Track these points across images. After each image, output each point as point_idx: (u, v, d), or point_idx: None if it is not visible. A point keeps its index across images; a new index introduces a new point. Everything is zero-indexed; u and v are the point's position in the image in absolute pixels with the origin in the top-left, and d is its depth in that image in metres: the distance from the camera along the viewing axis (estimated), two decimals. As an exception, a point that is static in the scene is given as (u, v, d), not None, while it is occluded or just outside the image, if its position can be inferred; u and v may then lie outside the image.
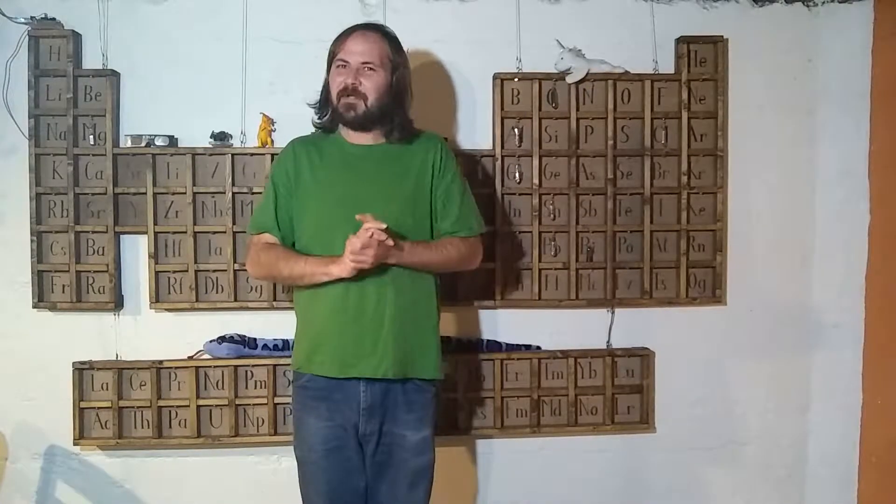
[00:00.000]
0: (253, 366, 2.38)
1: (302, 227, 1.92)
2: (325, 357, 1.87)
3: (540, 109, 2.42)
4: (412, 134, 1.97)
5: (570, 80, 2.41)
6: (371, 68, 1.89)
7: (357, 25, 1.95)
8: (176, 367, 2.36)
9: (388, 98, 1.91)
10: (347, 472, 1.88)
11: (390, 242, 1.75)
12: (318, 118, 1.99)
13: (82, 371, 2.33)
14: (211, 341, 2.35)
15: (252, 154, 2.35)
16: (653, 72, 2.47)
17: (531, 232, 2.43)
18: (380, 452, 1.89)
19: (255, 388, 2.38)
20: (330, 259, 1.81)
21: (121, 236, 2.36)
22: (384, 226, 1.73)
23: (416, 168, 1.93)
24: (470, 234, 1.97)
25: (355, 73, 1.88)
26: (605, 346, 2.51)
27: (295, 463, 1.95)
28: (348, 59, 1.89)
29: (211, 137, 2.34)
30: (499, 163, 2.41)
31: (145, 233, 2.34)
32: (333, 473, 1.87)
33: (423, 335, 1.91)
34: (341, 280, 1.81)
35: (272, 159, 2.24)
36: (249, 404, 2.37)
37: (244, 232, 2.25)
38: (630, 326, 2.52)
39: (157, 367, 2.34)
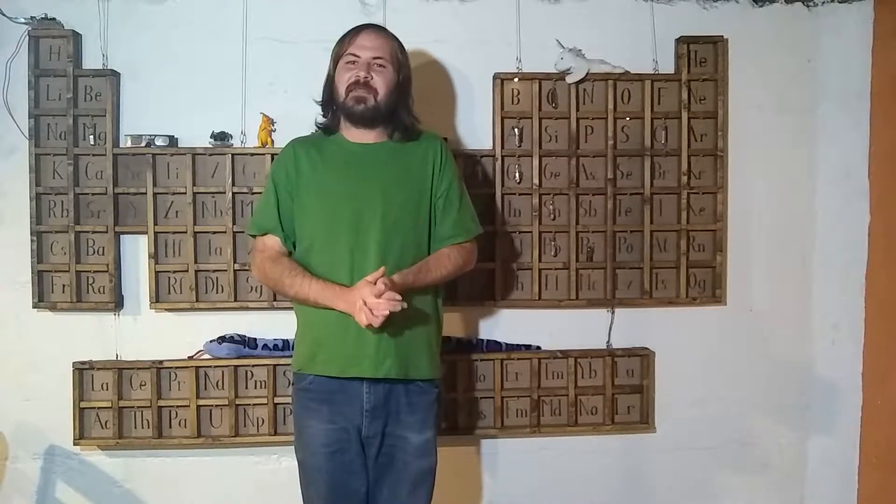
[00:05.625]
0: (253, 366, 2.38)
1: (303, 227, 1.92)
2: (327, 357, 1.87)
3: (540, 109, 2.42)
4: (415, 134, 1.97)
5: (570, 80, 2.41)
6: (381, 64, 1.90)
7: (363, 24, 1.96)
8: (176, 367, 2.36)
9: (395, 96, 1.92)
10: (349, 474, 1.88)
11: (405, 306, 1.75)
12: (324, 116, 1.99)
13: (82, 371, 2.33)
14: (211, 341, 2.35)
15: (252, 154, 2.35)
16: (653, 72, 2.47)
17: (531, 232, 2.43)
18: (382, 455, 1.89)
19: (255, 388, 2.38)
20: (334, 293, 1.81)
21: (121, 236, 2.36)
22: (399, 298, 1.73)
23: (417, 167, 1.94)
24: (467, 237, 1.98)
25: (367, 67, 1.88)
26: (605, 346, 2.51)
27: (295, 463, 1.95)
28: (359, 54, 1.89)
29: (211, 137, 2.34)
30: (499, 163, 2.41)
31: (145, 233, 2.34)
32: (335, 476, 1.87)
33: (424, 336, 1.91)
34: (351, 281, 1.82)
35: (272, 159, 2.24)
36: (249, 404, 2.37)
37: (244, 232, 2.25)
38: (630, 326, 2.52)
39: (157, 367, 2.34)
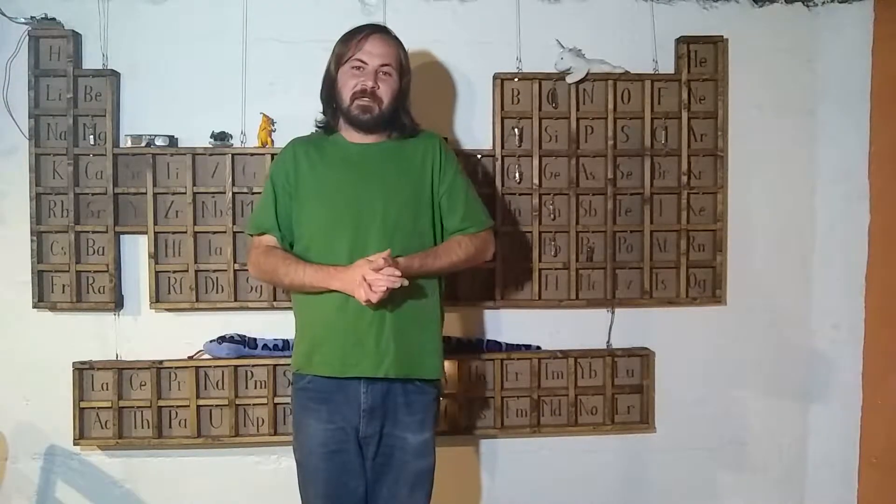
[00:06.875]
0: (253, 366, 2.38)
1: (302, 228, 1.91)
2: (325, 356, 1.86)
3: (540, 109, 2.42)
4: (414, 131, 1.97)
5: (570, 80, 2.41)
6: (387, 72, 1.89)
7: (368, 26, 1.94)
8: (176, 367, 2.36)
9: (398, 102, 1.92)
10: (347, 474, 1.87)
11: (405, 283, 1.74)
12: (324, 114, 1.98)
13: (82, 371, 2.33)
14: (211, 341, 2.35)
15: (252, 154, 2.35)
16: (653, 72, 2.47)
17: (531, 232, 2.43)
18: (380, 455, 1.88)
19: (255, 388, 2.38)
20: (328, 273, 1.81)
21: (121, 236, 2.36)
22: (399, 274, 1.73)
23: (417, 166, 1.93)
24: (480, 228, 1.97)
25: (373, 76, 1.87)
26: (605, 346, 2.51)
27: (295, 463, 1.95)
28: (366, 61, 1.88)
29: (211, 137, 2.34)
30: (499, 163, 2.41)
31: (145, 233, 2.34)
32: (333, 476, 1.87)
33: (424, 335, 1.91)
34: None
35: (272, 159, 2.23)
36: (249, 404, 2.37)
37: (244, 232, 2.25)
38: (630, 326, 2.52)
39: (157, 367, 2.34)
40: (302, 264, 1.85)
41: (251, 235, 2.00)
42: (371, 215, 1.86)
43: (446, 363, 2.36)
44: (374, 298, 1.72)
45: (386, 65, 1.89)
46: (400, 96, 1.93)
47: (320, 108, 1.99)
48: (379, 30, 1.94)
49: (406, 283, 1.74)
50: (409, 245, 1.88)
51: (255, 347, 2.37)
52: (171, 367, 2.36)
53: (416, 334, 1.88)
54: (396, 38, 1.94)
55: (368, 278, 1.73)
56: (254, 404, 2.37)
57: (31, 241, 2.32)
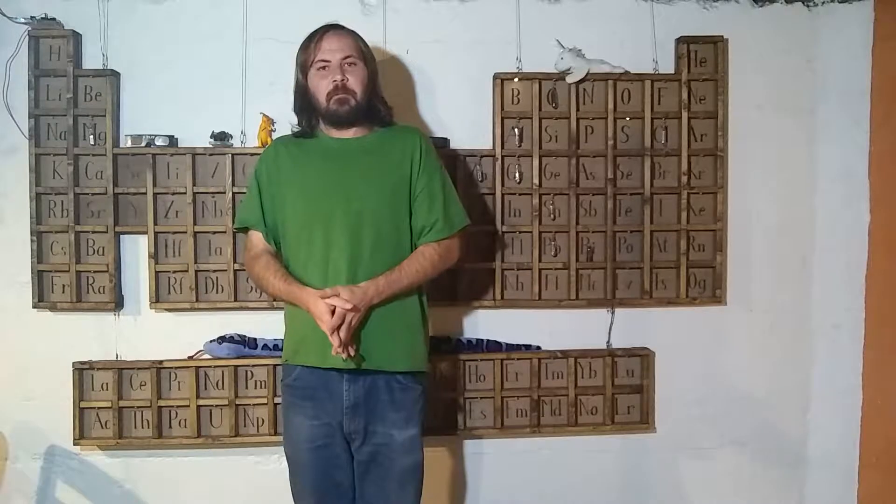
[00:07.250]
0: (253, 366, 2.38)
1: (286, 222, 1.94)
2: (309, 348, 1.88)
3: (540, 109, 2.42)
4: (391, 123, 2.00)
5: (570, 80, 2.41)
6: (351, 62, 1.92)
7: (321, 28, 1.96)
8: (176, 367, 2.36)
9: (370, 90, 1.95)
10: (334, 468, 1.90)
11: (355, 320, 1.80)
12: (299, 125, 2.02)
13: (82, 371, 2.33)
14: (211, 341, 2.35)
15: (252, 154, 2.35)
16: (653, 72, 2.47)
17: (531, 232, 2.43)
18: (367, 451, 1.89)
19: (255, 388, 2.38)
20: (304, 297, 1.83)
21: (121, 236, 2.36)
22: (350, 306, 1.78)
23: (396, 160, 1.95)
24: (451, 231, 1.97)
25: (340, 69, 1.91)
26: (605, 346, 2.51)
27: (293, 462, 1.95)
28: (328, 58, 1.91)
29: (211, 137, 2.34)
30: (499, 163, 2.41)
31: (145, 233, 2.34)
32: (320, 470, 1.89)
33: (399, 328, 1.91)
34: (325, 274, 1.85)
35: (271, 159, 2.24)
36: (249, 404, 2.37)
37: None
38: (630, 326, 2.52)
39: (157, 367, 2.34)
40: (285, 279, 1.88)
41: (236, 230, 2.03)
42: (345, 208, 1.87)
43: (446, 363, 2.37)
44: (344, 354, 1.79)
45: (348, 56, 1.91)
46: (370, 84, 1.95)
47: (296, 117, 2.02)
48: (331, 27, 1.96)
49: (356, 319, 1.80)
50: (384, 237, 1.89)
51: (255, 347, 2.37)
52: (171, 367, 2.36)
53: (388, 326, 1.88)
54: (351, 31, 1.97)
55: (332, 341, 1.78)
56: (254, 404, 2.37)
57: (31, 241, 2.32)
